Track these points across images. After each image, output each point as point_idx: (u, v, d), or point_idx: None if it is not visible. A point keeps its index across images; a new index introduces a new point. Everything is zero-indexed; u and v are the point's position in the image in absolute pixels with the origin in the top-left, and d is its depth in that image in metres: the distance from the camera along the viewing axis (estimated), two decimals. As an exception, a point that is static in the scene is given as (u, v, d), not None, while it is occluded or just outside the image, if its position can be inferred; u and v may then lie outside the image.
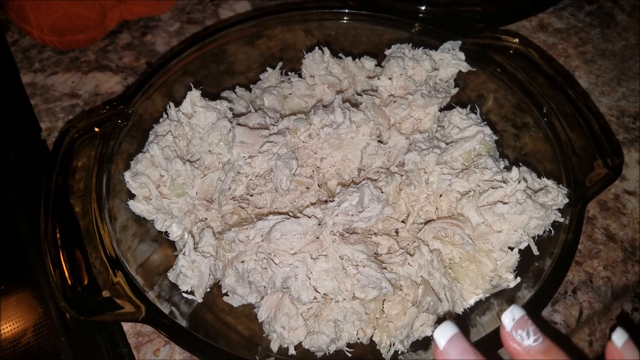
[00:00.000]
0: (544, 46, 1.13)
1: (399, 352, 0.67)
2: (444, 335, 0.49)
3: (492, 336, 0.59)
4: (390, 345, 0.67)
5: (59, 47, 1.09)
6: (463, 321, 0.69)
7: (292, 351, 0.66)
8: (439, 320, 0.69)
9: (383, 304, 0.68)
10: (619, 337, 0.49)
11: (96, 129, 0.74)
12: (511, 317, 0.50)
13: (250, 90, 0.91)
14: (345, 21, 0.91)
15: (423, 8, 1.00)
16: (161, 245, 0.76)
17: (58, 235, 0.65)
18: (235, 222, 0.74)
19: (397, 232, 0.74)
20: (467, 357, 0.48)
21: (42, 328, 0.82)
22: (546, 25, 1.17)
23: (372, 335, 0.69)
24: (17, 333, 0.82)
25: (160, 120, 0.80)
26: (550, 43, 1.14)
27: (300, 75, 0.91)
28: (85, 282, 0.63)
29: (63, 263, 0.63)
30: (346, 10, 0.90)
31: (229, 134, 0.75)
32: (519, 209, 0.67)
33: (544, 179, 0.72)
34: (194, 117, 0.76)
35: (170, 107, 0.78)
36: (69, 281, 0.62)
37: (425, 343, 0.69)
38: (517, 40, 0.84)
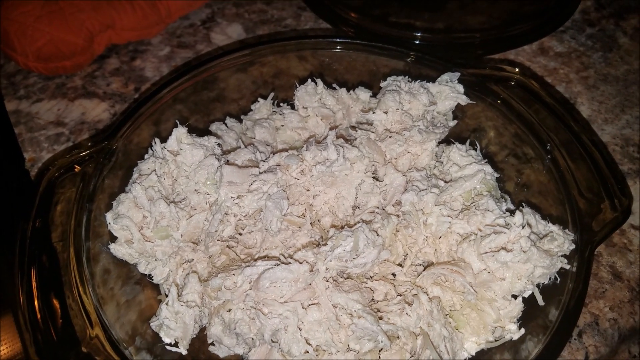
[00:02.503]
0: (545, 71, 1.10)
1: (397, 407, 0.63)
2: None
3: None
4: (388, 399, 0.63)
5: (45, 73, 1.06)
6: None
7: (282, 407, 0.63)
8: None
9: (379, 354, 0.64)
10: None
11: (77, 168, 0.70)
12: None
13: (240, 121, 0.87)
14: (340, 50, 0.88)
15: (419, 35, 0.97)
16: (145, 288, 0.72)
17: (34, 284, 0.61)
18: (223, 264, 0.71)
19: (394, 275, 0.71)
20: None
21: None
22: (547, 49, 1.14)
23: (368, 388, 0.65)
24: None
25: (145, 156, 0.76)
26: (551, 68, 1.10)
27: (292, 106, 0.87)
28: (62, 335, 0.59)
29: (38, 314, 0.59)
30: (340, 40, 0.86)
31: (217, 173, 0.71)
32: (523, 257, 0.64)
33: (549, 224, 0.68)
34: (180, 154, 0.73)
35: (155, 143, 0.74)
36: (45, 335, 0.58)
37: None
38: (518, 70, 0.81)
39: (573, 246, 0.65)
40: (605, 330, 0.76)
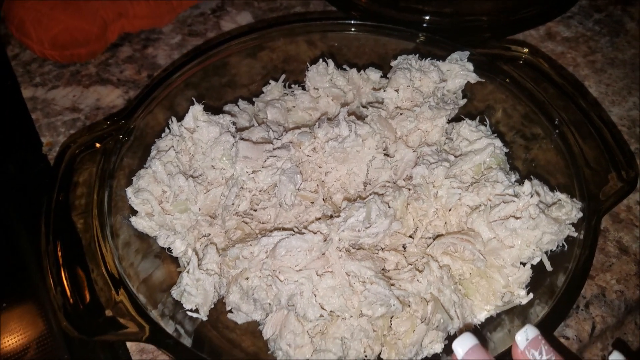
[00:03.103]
0: (552, 55, 1.11)
1: (408, 370, 0.65)
2: (463, 346, 0.51)
3: (505, 354, 0.58)
4: (399, 364, 0.65)
5: (60, 60, 1.08)
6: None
7: (298, 369, 0.65)
8: (449, 338, 0.67)
9: (391, 320, 0.67)
10: None
11: (97, 145, 0.73)
12: (525, 337, 0.51)
13: (253, 103, 0.89)
14: (349, 32, 0.90)
15: (427, 18, 0.98)
16: (164, 262, 0.74)
17: (59, 253, 0.64)
18: (238, 238, 0.73)
19: (404, 247, 0.73)
20: None
21: (44, 344, 0.81)
22: (554, 34, 1.16)
23: (380, 353, 0.67)
24: (19, 349, 0.80)
25: (163, 135, 0.79)
26: (559, 52, 1.12)
27: (303, 88, 0.89)
28: (88, 300, 0.61)
29: (65, 282, 0.62)
30: (350, 22, 0.88)
31: (232, 148, 0.73)
32: (531, 224, 0.65)
33: (557, 193, 0.70)
34: (197, 131, 0.75)
35: (172, 121, 0.77)
36: (71, 300, 0.61)
37: (436, 360, 0.67)
38: (526, 50, 0.83)
39: (581, 214, 0.67)
40: (612, 301, 0.78)
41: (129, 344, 0.74)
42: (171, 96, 0.82)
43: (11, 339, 0.81)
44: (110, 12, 1.08)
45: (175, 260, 0.75)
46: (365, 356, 0.66)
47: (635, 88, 1.06)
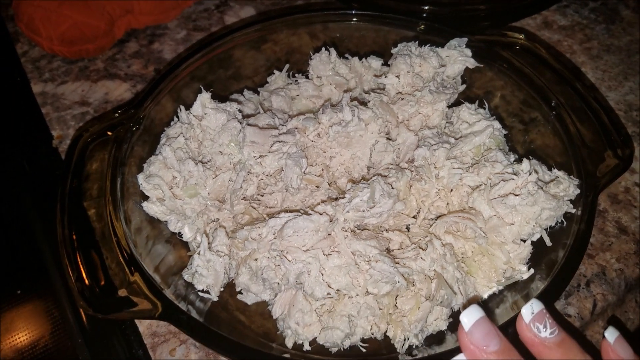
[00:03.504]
0: (549, 43, 1.13)
1: (414, 347, 0.67)
2: (470, 317, 0.52)
3: (508, 325, 0.60)
4: (405, 340, 0.67)
5: (69, 56, 1.10)
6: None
7: (306, 347, 0.67)
8: (454, 315, 0.69)
9: (396, 299, 0.69)
10: (610, 335, 0.52)
11: (109, 133, 0.75)
12: (530, 310, 0.53)
13: (258, 93, 0.91)
14: (350, 23, 0.92)
15: (426, 8, 1.00)
16: (175, 247, 0.76)
17: (74, 237, 0.66)
18: (246, 222, 0.75)
19: (408, 228, 0.75)
20: (491, 339, 0.51)
21: (59, 331, 0.83)
22: (550, 22, 1.18)
23: (386, 330, 0.69)
24: (34, 337, 0.83)
25: (172, 123, 0.81)
26: (555, 40, 1.14)
27: (307, 77, 0.92)
28: (102, 282, 0.64)
29: (80, 264, 0.64)
30: (352, 12, 0.90)
31: (239, 134, 0.75)
32: (530, 200, 0.67)
33: (555, 171, 0.72)
34: (205, 119, 0.77)
35: (181, 110, 0.79)
36: (87, 281, 0.63)
37: (440, 337, 0.69)
38: (523, 36, 0.85)
39: (578, 191, 0.69)
40: (612, 279, 0.80)
41: (141, 329, 0.76)
42: (178, 88, 0.84)
43: (26, 326, 0.83)
44: (117, 9, 1.10)
45: (186, 245, 0.77)
46: (372, 334, 0.69)
47: (631, 73, 1.08)
